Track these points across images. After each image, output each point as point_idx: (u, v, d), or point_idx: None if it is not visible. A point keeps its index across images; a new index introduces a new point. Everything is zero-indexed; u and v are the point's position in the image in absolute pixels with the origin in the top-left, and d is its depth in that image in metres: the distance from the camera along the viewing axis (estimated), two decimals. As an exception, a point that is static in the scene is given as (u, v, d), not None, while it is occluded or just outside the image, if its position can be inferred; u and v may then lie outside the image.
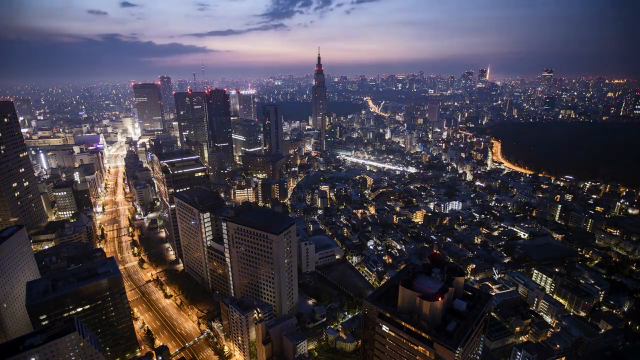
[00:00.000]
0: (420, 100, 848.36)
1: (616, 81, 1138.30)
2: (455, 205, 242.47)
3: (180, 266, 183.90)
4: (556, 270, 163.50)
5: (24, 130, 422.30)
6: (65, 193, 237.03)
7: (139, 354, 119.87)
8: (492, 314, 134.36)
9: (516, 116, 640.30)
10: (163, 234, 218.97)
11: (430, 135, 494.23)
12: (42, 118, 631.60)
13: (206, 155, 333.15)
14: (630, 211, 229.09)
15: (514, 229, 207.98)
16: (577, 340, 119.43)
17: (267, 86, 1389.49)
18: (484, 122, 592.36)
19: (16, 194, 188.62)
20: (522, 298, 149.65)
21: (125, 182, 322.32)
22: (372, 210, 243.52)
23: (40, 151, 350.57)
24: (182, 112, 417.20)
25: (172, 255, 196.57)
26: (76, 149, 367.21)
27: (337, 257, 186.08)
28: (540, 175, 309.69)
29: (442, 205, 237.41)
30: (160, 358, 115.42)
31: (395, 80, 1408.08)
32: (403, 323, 73.50)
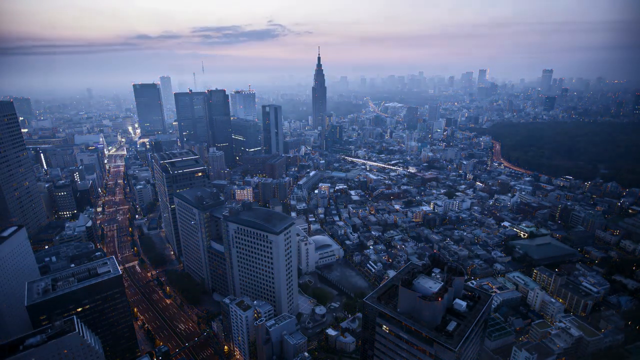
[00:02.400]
0: (420, 100, 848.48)
1: (616, 81, 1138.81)
2: (455, 205, 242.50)
3: (180, 266, 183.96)
4: (556, 270, 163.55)
5: (23, 130, 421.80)
6: (65, 193, 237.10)
7: (139, 354, 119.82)
8: (492, 314, 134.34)
9: (516, 116, 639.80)
10: (163, 234, 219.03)
11: (430, 135, 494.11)
12: (42, 118, 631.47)
13: (206, 155, 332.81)
14: (630, 211, 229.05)
15: (514, 229, 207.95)
16: (577, 340, 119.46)
17: (268, 86, 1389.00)
18: (484, 122, 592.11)
19: (16, 194, 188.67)
20: (522, 298, 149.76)
21: (125, 182, 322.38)
22: (372, 210, 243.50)
23: (40, 151, 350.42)
24: (182, 112, 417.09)
25: (172, 255, 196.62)
26: (76, 149, 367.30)
27: (337, 257, 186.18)
28: (540, 175, 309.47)
29: (442, 205, 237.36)
30: (160, 358, 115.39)
31: (396, 80, 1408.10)
32: (403, 323, 73.50)
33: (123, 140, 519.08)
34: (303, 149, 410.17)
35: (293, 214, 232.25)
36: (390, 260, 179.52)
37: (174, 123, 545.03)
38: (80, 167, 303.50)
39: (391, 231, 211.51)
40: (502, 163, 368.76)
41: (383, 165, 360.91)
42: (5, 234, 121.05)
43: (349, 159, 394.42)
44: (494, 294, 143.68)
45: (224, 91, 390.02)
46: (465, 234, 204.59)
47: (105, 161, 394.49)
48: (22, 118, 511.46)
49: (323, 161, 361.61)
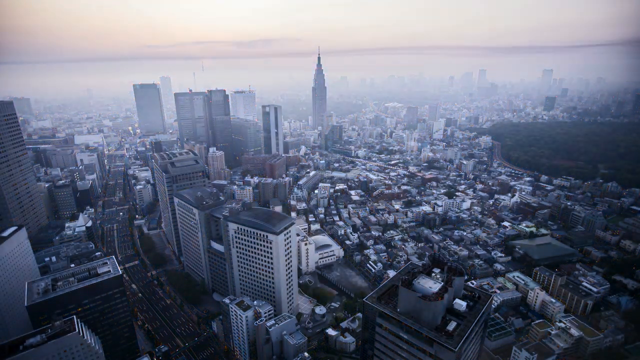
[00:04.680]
0: (421, 100, 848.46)
1: (616, 81, 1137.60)
2: (455, 205, 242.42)
3: (181, 266, 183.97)
4: (556, 270, 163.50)
5: (23, 130, 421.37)
6: (65, 193, 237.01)
7: (139, 354, 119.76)
8: (492, 314, 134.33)
9: (516, 116, 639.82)
10: (163, 234, 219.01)
11: (430, 135, 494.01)
12: (42, 117, 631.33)
13: (206, 155, 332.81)
14: (630, 211, 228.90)
15: (514, 229, 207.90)
16: (577, 340, 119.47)
17: (268, 86, 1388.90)
18: (484, 122, 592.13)
19: (16, 194, 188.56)
20: (522, 298, 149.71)
21: (125, 182, 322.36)
22: (372, 210, 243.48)
23: (41, 151, 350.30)
24: (182, 112, 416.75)
25: (172, 255, 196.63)
26: (76, 149, 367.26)
27: (337, 257, 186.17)
28: (540, 175, 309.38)
29: (442, 205, 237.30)
30: (160, 358, 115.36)
31: (396, 80, 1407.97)
32: (403, 323, 73.49)
33: (123, 140, 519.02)
34: (303, 149, 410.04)
35: (293, 214, 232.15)
36: (390, 260, 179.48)
37: (174, 123, 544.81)
38: (80, 167, 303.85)
39: (391, 231, 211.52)
40: (502, 163, 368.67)
41: (383, 165, 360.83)
42: (5, 234, 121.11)
43: (349, 159, 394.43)
44: (494, 294, 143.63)
45: (224, 91, 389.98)
46: (465, 234, 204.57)
47: (105, 161, 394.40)
48: (22, 118, 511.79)
49: (323, 161, 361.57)
